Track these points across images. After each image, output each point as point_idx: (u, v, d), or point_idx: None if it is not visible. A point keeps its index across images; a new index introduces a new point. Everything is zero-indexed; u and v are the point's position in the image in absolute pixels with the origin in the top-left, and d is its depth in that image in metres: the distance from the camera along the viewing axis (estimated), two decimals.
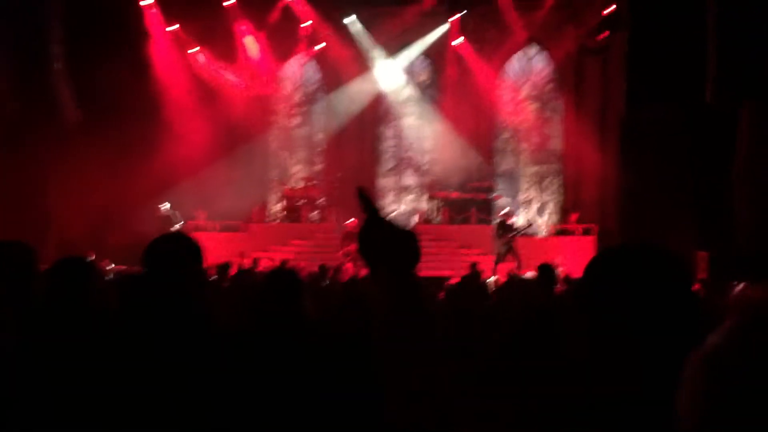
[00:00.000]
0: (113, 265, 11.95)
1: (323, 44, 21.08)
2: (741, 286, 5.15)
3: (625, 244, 1.57)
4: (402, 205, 22.36)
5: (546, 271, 6.38)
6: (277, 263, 10.85)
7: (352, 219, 16.76)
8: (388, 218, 1.70)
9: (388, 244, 1.61)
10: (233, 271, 11.49)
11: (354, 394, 2.79)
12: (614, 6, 19.20)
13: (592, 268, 1.56)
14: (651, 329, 1.42)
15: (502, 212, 16.31)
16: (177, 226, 16.24)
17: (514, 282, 9.29)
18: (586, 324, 1.52)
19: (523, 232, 16.18)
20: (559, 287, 8.20)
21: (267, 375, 2.56)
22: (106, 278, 9.07)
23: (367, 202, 1.61)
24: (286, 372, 2.77)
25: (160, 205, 16.45)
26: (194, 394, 2.00)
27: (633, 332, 1.44)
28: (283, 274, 3.38)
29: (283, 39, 20.79)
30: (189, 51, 20.15)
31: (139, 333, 2.07)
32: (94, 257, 10.54)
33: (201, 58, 20.28)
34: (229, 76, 20.43)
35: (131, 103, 17.31)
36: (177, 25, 19.75)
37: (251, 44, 20.59)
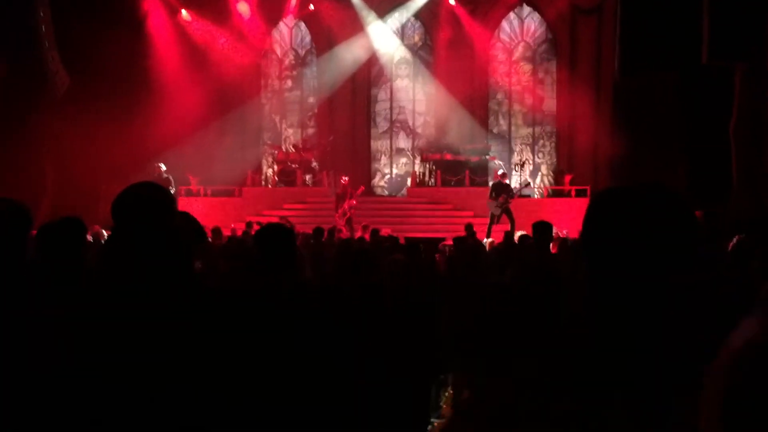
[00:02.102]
0: (100, 230, 11.87)
1: (311, 7, 20.81)
2: (736, 239, 5.15)
3: (625, 185, 1.54)
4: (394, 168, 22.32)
5: (541, 229, 6.37)
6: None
7: (345, 179, 16.73)
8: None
9: None
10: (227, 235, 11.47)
11: (340, 346, 2.79)
12: None
13: (593, 208, 1.54)
14: (656, 269, 1.40)
15: (499, 173, 16.26)
16: (171, 190, 16.14)
17: (509, 241, 9.30)
18: (584, 272, 1.50)
19: (520, 192, 16.17)
20: (554, 248, 8.21)
21: (257, 331, 2.53)
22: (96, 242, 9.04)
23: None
24: (276, 328, 2.75)
25: (161, 164, 16.28)
26: (181, 353, 1.96)
27: (636, 273, 1.42)
28: (272, 229, 3.33)
29: (274, 1, 20.52)
30: (180, 14, 19.89)
31: (119, 291, 2.01)
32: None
33: (190, 19, 20.01)
34: (220, 40, 20.19)
35: (122, 69, 17.11)
36: None
37: (242, 6, 20.32)
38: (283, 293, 3.08)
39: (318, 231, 9.86)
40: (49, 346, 1.98)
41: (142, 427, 1.88)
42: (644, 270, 1.40)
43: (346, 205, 16.02)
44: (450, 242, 9.86)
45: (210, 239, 10.23)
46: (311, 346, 2.78)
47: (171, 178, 16.26)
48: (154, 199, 2.10)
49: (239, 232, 12.37)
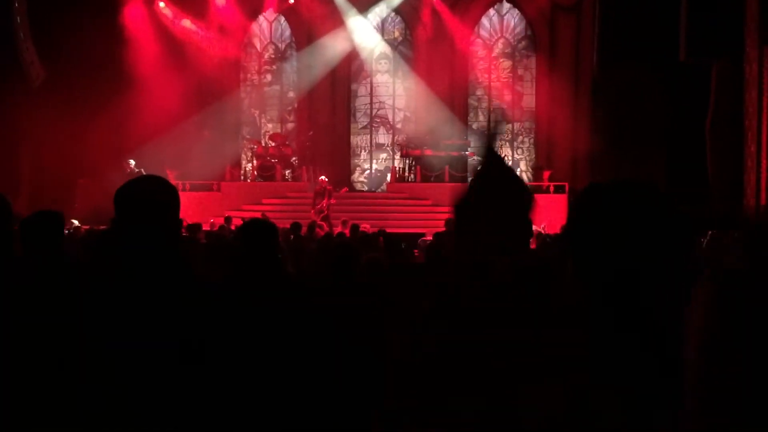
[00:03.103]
0: (77, 223, 11.75)
1: (291, 1, 20.71)
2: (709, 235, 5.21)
3: (610, 180, 1.54)
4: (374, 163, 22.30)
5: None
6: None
7: (323, 178, 16.73)
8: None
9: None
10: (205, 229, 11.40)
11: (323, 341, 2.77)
12: None
13: (579, 204, 1.54)
14: (640, 259, 1.40)
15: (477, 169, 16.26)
16: None
17: None
18: (569, 267, 1.50)
19: None
20: (533, 244, 8.24)
21: (244, 324, 2.51)
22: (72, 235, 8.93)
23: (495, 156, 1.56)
24: (261, 323, 2.73)
25: (130, 160, 16.20)
26: (172, 345, 1.95)
27: (622, 265, 1.42)
28: (257, 223, 3.32)
29: None
30: (157, 6, 19.71)
31: (113, 284, 2.00)
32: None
33: (169, 12, 19.85)
34: (198, 33, 20.03)
35: (99, 61, 16.92)
36: None
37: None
38: (268, 288, 3.06)
39: (295, 226, 9.81)
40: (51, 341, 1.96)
41: (140, 422, 1.87)
42: (630, 265, 1.40)
43: (324, 203, 15.99)
44: (430, 238, 9.86)
45: (186, 235, 10.14)
46: (296, 342, 2.76)
47: (143, 172, 16.14)
48: (158, 196, 2.10)
49: (217, 227, 12.28)
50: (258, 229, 3.18)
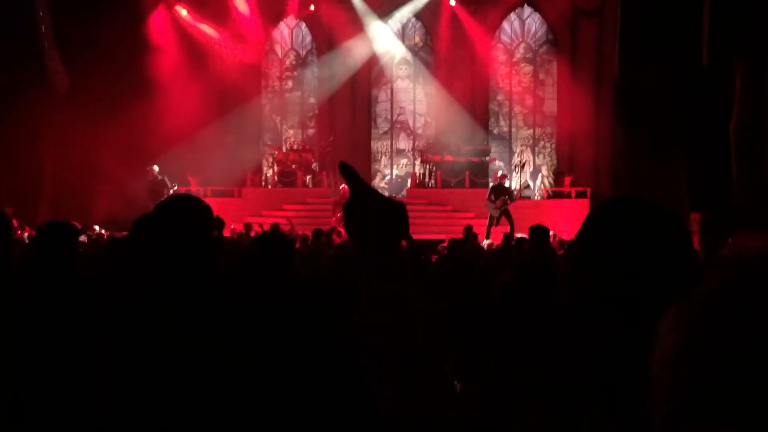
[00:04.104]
0: (99, 229, 11.89)
1: (312, 8, 20.81)
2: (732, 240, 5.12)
3: (617, 198, 1.52)
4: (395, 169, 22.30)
5: (537, 232, 6.35)
6: (266, 228, 10.80)
7: (343, 186, 16.74)
8: (373, 189, 1.63)
9: (374, 216, 1.54)
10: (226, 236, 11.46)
11: (332, 352, 2.77)
12: None
13: (586, 223, 1.52)
14: (642, 281, 1.38)
15: (499, 174, 16.21)
16: (171, 191, 16.27)
17: (508, 243, 9.27)
18: (574, 278, 1.48)
19: (520, 194, 16.08)
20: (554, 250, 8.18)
21: (248, 334, 2.52)
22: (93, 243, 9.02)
23: (351, 174, 1.53)
24: (268, 332, 2.73)
25: (154, 166, 16.34)
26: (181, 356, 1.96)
27: (623, 284, 1.40)
28: (270, 237, 3.34)
29: (274, 1, 20.53)
30: (179, 13, 19.89)
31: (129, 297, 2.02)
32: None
33: (191, 19, 20.02)
34: (220, 39, 20.19)
35: (121, 68, 17.09)
36: None
37: (242, 5, 20.32)
38: (278, 290, 3.07)
39: (317, 233, 9.84)
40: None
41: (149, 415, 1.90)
42: (631, 288, 1.38)
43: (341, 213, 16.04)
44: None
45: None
46: (299, 343, 2.76)
47: (166, 179, 16.30)
48: (202, 220, 2.15)
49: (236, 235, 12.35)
50: (272, 234, 3.20)
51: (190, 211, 2.12)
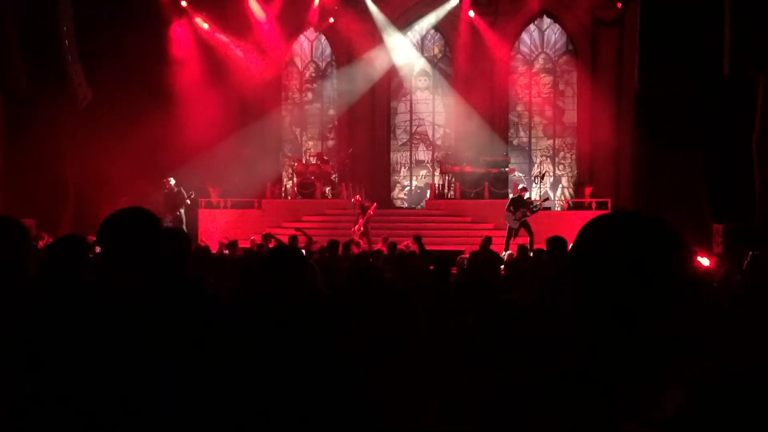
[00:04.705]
0: None
1: (331, 20, 20.93)
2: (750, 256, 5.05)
3: (616, 212, 1.53)
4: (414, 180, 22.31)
5: (555, 244, 6.31)
6: (283, 239, 10.83)
7: (356, 197, 16.91)
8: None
9: None
10: (244, 247, 11.52)
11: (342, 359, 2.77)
12: None
13: (581, 235, 1.53)
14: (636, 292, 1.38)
15: (519, 187, 16.14)
16: (188, 201, 16.48)
17: (524, 255, 9.22)
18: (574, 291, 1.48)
19: (539, 206, 15.91)
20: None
21: (260, 344, 2.53)
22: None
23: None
24: (279, 343, 2.74)
25: (170, 178, 16.53)
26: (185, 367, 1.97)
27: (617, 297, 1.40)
28: (284, 251, 3.34)
29: (294, 14, 20.66)
30: (200, 26, 20.09)
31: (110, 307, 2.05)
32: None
33: (212, 32, 20.21)
34: (240, 52, 20.35)
35: (143, 80, 17.28)
36: (186, 1, 19.75)
37: (259, 12, 20.47)
38: (287, 305, 3.07)
39: (332, 244, 9.84)
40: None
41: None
42: (627, 302, 1.38)
43: (361, 221, 16.15)
44: (467, 256, 9.79)
45: (227, 252, 10.28)
46: (307, 358, 2.76)
47: (182, 190, 16.45)
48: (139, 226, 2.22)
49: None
50: (285, 249, 3.20)
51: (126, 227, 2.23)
